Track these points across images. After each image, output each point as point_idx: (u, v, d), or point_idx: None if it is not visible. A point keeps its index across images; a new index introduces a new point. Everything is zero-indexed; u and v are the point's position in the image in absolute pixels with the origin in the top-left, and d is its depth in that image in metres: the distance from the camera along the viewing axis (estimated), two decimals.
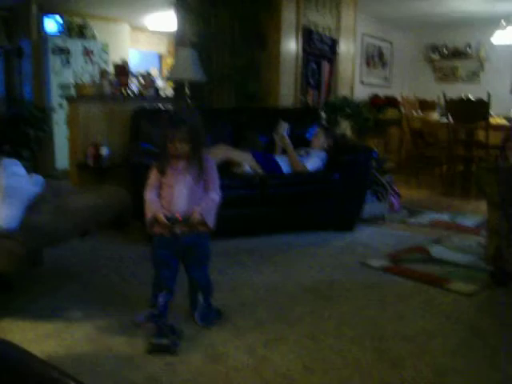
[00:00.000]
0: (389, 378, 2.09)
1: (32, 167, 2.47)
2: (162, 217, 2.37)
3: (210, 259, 2.58)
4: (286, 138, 4.56)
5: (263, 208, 4.10)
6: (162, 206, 2.41)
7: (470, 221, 4.87)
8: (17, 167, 2.33)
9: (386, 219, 4.82)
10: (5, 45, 7.75)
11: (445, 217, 5.05)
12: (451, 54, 9.56)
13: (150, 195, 2.44)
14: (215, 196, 2.47)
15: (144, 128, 4.39)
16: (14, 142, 7.30)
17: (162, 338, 2.30)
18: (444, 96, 6.45)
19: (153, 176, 2.46)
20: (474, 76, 9.42)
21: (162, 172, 2.42)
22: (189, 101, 5.09)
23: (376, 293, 3.03)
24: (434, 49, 9.73)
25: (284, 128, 4.65)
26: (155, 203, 2.41)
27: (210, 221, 2.43)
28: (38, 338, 2.40)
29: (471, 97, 6.41)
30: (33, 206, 2.53)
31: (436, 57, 9.71)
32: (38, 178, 2.65)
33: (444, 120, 6.83)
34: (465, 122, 6.31)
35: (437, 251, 3.87)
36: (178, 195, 2.39)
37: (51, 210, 2.60)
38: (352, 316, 2.70)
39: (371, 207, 4.73)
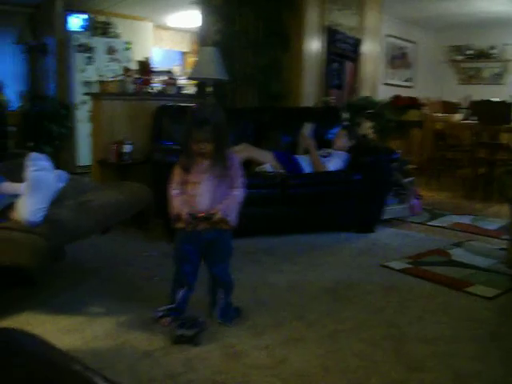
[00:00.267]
0: (407, 381, 2.08)
1: (54, 164, 2.50)
2: (185, 214, 2.39)
3: (231, 256, 2.59)
4: (310, 138, 4.55)
5: (284, 208, 4.10)
6: (186, 202, 2.42)
7: (491, 224, 4.82)
8: (44, 161, 2.36)
9: (406, 221, 4.79)
10: (29, 41, 7.84)
11: (466, 220, 5.00)
12: (475, 55, 9.45)
13: (174, 191, 2.46)
14: (239, 193, 2.48)
15: (166, 126, 4.42)
16: (37, 139, 7.39)
17: (185, 330, 2.35)
18: (468, 98, 6.39)
19: (177, 173, 2.47)
20: (498, 78, 9.31)
21: (186, 170, 2.43)
22: (212, 100, 5.10)
23: (395, 295, 3.01)
24: (458, 50, 9.62)
25: (308, 129, 4.64)
26: (179, 199, 2.44)
27: (232, 218, 2.44)
28: (58, 331, 2.43)
29: (495, 99, 6.33)
30: (56, 202, 2.56)
31: (460, 58, 9.61)
32: (63, 174, 2.69)
33: (467, 122, 6.76)
34: (488, 124, 6.24)
35: (457, 254, 3.84)
36: (202, 193, 2.41)
37: (74, 206, 2.63)
38: (371, 317, 2.69)
39: (392, 209, 4.71)
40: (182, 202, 2.43)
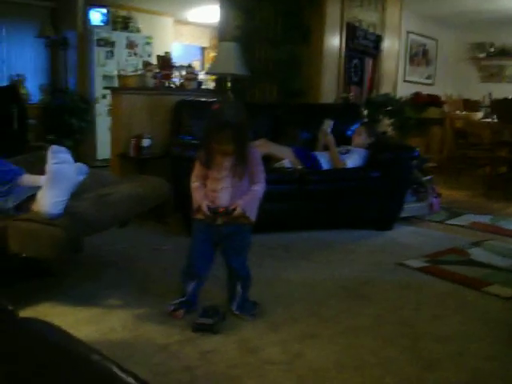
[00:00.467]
0: (422, 379, 2.07)
1: (74, 157, 2.53)
2: (205, 207, 2.41)
3: (249, 250, 2.60)
4: (330, 134, 4.54)
5: (302, 204, 4.10)
6: (207, 196, 2.43)
7: (511, 224, 4.77)
8: (65, 154, 2.38)
9: (425, 219, 4.76)
10: (51, 35, 7.91)
11: (485, 219, 4.96)
12: (498, 52, 9.33)
13: (194, 184, 2.49)
14: (259, 189, 2.48)
15: (186, 120, 4.44)
16: (57, 132, 7.46)
17: (205, 318, 2.39)
18: (489, 96, 6.33)
19: (198, 167, 2.49)
20: None
21: (206, 166, 2.44)
22: (231, 95, 5.11)
23: (412, 293, 3.00)
24: (480, 47, 9.51)
25: (328, 125, 4.63)
26: (200, 192, 2.45)
27: (252, 214, 2.45)
28: (76, 323, 2.46)
29: None
30: (76, 195, 2.58)
31: (482, 55, 9.50)
32: (83, 167, 2.71)
33: (487, 120, 6.70)
34: (510, 122, 6.17)
35: (476, 253, 3.81)
36: (222, 189, 2.42)
37: (94, 198, 2.65)
38: (387, 315, 2.68)
39: (411, 207, 4.68)
40: (202, 194, 2.44)
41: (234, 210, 2.41)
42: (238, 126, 2.32)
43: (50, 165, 2.34)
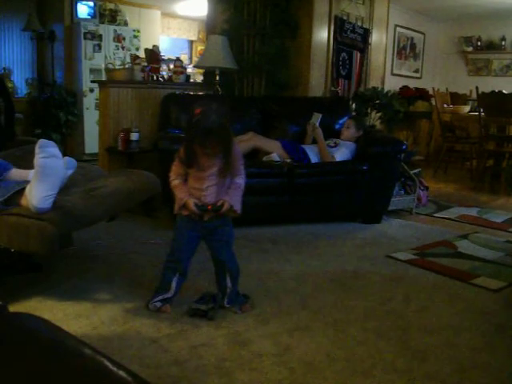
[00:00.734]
0: (411, 371, 2.09)
1: (62, 151, 2.51)
2: (192, 205, 2.40)
3: (234, 242, 2.61)
4: (318, 128, 4.55)
5: (291, 197, 4.10)
6: (191, 193, 2.43)
7: (498, 217, 4.82)
8: (53, 148, 2.36)
9: (413, 212, 4.79)
10: (37, 29, 7.85)
11: (473, 212, 5.00)
12: (485, 46, 9.39)
13: (175, 181, 2.46)
14: (241, 181, 2.48)
15: (174, 114, 4.43)
16: (44, 126, 7.42)
17: (201, 304, 2.45)
18: (477, 89, 6.36)
19: (177, 165, 2.45)
20: (508, 69, 9.26)
21: (188, 166, 2.42)
22: (219, 88, 5.10)
23: (401, 285, 3.02)
24: (468, 41, 9.56)
25: (317, 118, 4.64)
26: (183, 190, 2.44)
27: (238, 207, 2.45)
28: (66, 317, 2.45)
29: (504, 91, 6.30)
30: (65, 189, 2.57)
31: (469, 49, 9.55)
32: (71, 161, 2.70)
33: (475, 114, 6.74)
34: (497, 116, 6.21)
35: (463, 246, 3.84)
36: (208, 188, 2.40)
37: (82, 193, 2.64)
38: (376, 307, 2.70)
39: (399, 200, 4.71)
40: (186, 192, 2.43)
41: (222, 205, 2.41)
42: (221, 130, 2.30)
43: (38, 159, 2.32)
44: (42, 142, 2.36)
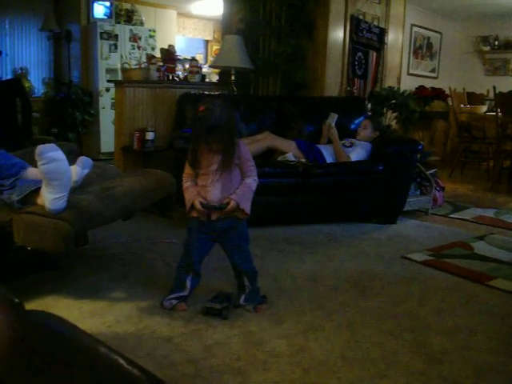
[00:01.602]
0: (426, 373, 2.07)
1: (78, 150, 2.52)
2: (198, 204, 2.41)
3: (249, 242, 2.60)
4: (334, 128, 4.53)
5: (306, 197, 4.09)
6: (199, 193, 2.44)
7: None
8: (53, 152, 2.35)
9: (429, 213, 4.76)
10: (54, 29, 7.91)
11: (489, 213, 4.95)
12: (502, 46, 9.29)
13: (186, 183, 2.50)
14: (251, 181, 2.48)
15: (189, 113, 4.44)
16: (61, 125, 7.48)
17: (215, 303, 2.45)
18: (494, 89, 6.30)
19: (188, 167, 2.49)
20: None
21: (194, 167, 2.44)
22: (234, 88, 5.11)
23: (416, 287, 3.00)
24: (485, 40, 9.47)
25: (333, 118, 4.62)
26: (191, 191, 2.46)
27: (246, 207, 2.45)
28: (81, 315, 2.47)
29: None
30: (81, 188, 2.59)
31: (486, 49, 9.46)
32: (87, 160, 2.71)
33: (492, 114, 6.67)
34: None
35: (480, 247, 3.81)
36: (213, 183, 2.42)
37: (98, 192, 2.65)
38: (391, 308, 2.69)
39: (415, 200, 4.68)
40: (194, 192, 2.45)
41: (228, 204, 2.41)
42: (225, 126, 2.32)
43: (40, 166, 2.33)
44: (40, 148, 2.34)
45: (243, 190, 2.45)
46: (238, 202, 2.41)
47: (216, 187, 2.42)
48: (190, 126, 2.45)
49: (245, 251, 2.58)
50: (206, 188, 2.43)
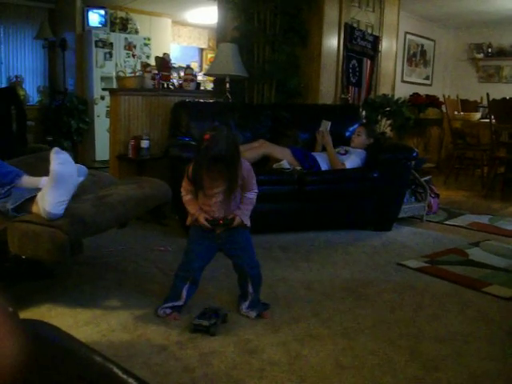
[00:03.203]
0: (422, 380, 2.07)
1: (73, 158, 2.53)
2: (203, 220, 2.43)
3: (253, 246, 2.62)
4: (328, 135, 4.54)
5: (301, 204, 4.10)
6: (201, 208, 2.46)
7: (509, 224, 4.78)
8: (67, 155, 2.39)
9: (424, 220, 4.77)
10: (49, 37, 7.92)
11: (484, 219, 4.97)
12: (496, 53, 9.34)
13: (187, 197, 2.50)
14: (254, 196, 2.52)
15: (184, 121, 4.45)
16: (55, 133, 7.47)
17: (203, 320, 2.38)
18: (487, 96, 6.33)
19: (187, 181, 2.49)
20: None
21: (197, 188, 2.44)
22: (229, 96, 5.12)
23: (412, 293, 3.00)
24: (478, 48, 9.52)
25: (326, 126, 4.63)
26: (194, 205, 2.48)
27: (247, 221, 2.50)
28: (76, 324, 2.46)
29: None
30: (76, 196, 2.58)
31: (480, 56, 9.51)
32: (82, 168, 2.71)
33: (486, 121, 6.70)
34: (508, 123, 6.18)
35: (475, 254, 3.82)
36: (216, 204, 2.44)
37: (93, 200, 2.65)
38: (387, 315, 2.69)
39: (409, 207, 4.69)
40: (196, 207, 2.47)
41: (233, 219, 2.44)
42: (230, 157, 2.31)
43: (55, 165, 2.34)
44: (56, 149, 2.38)
45: (247, 206, 2.49)
46: (242, 218, 2.46)
47: (220, 207, 2.44)
48: (193, 150, 2.42)
49: (252, 255, 2.60)
50: (210, 207, 2.45)
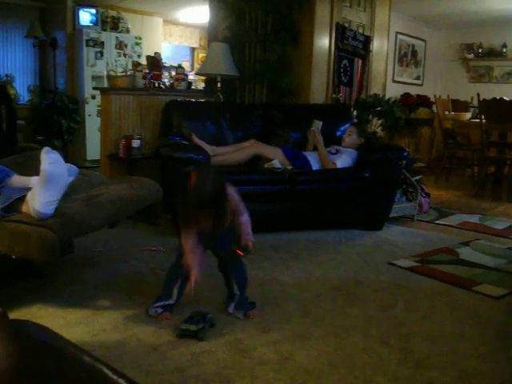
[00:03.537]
0: (413, 379, 2.08)
1: (64, 158, 2.52)
2: (193, 281, 2.36)
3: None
4: (319, 134, 4.54)
5: (292, 204, 4.10)
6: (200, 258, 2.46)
7: (499, 224, 4.81)
8: (57, 155, 2.38)
9: (414, 219, 4.79)
10: (40, 36, 7.88)
11: (474, 219, 4.99)
12: (486, 53, 9.39)
13: (188, 244, 2.42)
14: (246, 216, 2.51)
15: (175, 121, 4.44)
16: (46, 133, 7.43)
17: (190, 324, 2.34)
18: (478, 96, 6.36)
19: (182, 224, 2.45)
20: (509, 76, 9.25)
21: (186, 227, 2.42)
22: (220, 95, 5.11)
23: (403, 293, 3.01)
24: (469, 48, 9.56)
25: (318, 125, 4.64)
26: (193, 256, 2.41)
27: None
28: (66, 324, 2.45)
29: (505, 98, 6.30)
30: (66, 196, 2.57)
31: (470, 56, 9.55)
32: (72, 168, 2.70)
33: (476, 121, 6.73)
34: (498, 123, 6.22)
35: (465, 253, 3.84)
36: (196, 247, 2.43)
37: (84, 199, 2.64)
38: (378, 315, 2.69)
39: (400, 207, 4.71)
40: (195, 260, 2.41)
41: (247, 245, 2.49)
42: (217, 200, 2.28)
43: (45, 165, 2.33)
44: (47, 148, 2.37)
45: (248, 229, 2.51)
46: (251, 237, 2.50)
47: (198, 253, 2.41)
48: (180, 191, 2.35)
49: (238, 257, 2.59)
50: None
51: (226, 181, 2.35)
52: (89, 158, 7.68)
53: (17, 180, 2.68)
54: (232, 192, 2.43)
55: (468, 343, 2.41)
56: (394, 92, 7.36)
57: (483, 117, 6.25)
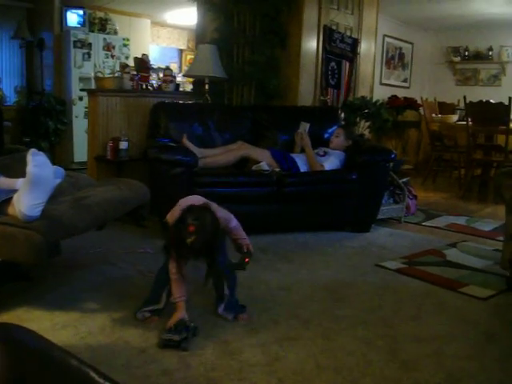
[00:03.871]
0: (401, 380, 2.09)
1: (51, 159, 2.51)
2: (180, 312, 2.42)
3: (226, 247, 2.65)
4: (307, 136, 4.55)
5: (280, 206, 4.10)
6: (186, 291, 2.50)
7: (486, 225, 4.84)
8: (44, 157, 2.36)
9: (402, 221, 4.81)
10: (27, 37, 7.83)
11: (461, 220, 5.02)
12: (472, 56, 9.46)
13: (175, 276, 2.45)
14: (235, 221, 2.60)
15: (163, 123, 4.43)
16: (33, 134, 7.38)
17: (173, 334, 2.29)
18: (464, 99, 6.40)
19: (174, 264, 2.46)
20: (495, 79, 9.33)
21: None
22: (208, 97, 5.11)
23: (390, 294, 3.02)
24: (456, 51, 9.63)
25: (305, 127, 4.65)
26: (180, 289, 2.45)
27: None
28: (54, 327, 2.43)
29: (492, 100, 6.35)
30: (53, 198, 2.56)
31: (457, 59, 9.62)
32: (59, 170, 2.68)
33: (463, 123, 6.78)
34: (484, 125, 6.26)
35: (452, 255, 3.86)
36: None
37: (71, 201, 2.63)
38: (365, 316, 2.70)
39: (388, 208, 4.72)
40: (181, 292, 2.45)
41: (249, 249, 2.61)
42: (208, 239, 2.30)
43: (31, 167, 2.31)
44: (33, 150, 2.36)
45: (241, 232, 2.63)
46: (247, 242, 2.62)
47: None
48: (174, 230, 2.34)
49: (226, 256, 2.60)
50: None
51: (218, 223, 2.36)
52: (76, 159, 7.64)
53: (3, 182, 2.66)
54: (220, 215, 2.43)
55: (455, 344, 2.42)
56: (381, 94, 7.40)
57: (470, 119, 6.29)
